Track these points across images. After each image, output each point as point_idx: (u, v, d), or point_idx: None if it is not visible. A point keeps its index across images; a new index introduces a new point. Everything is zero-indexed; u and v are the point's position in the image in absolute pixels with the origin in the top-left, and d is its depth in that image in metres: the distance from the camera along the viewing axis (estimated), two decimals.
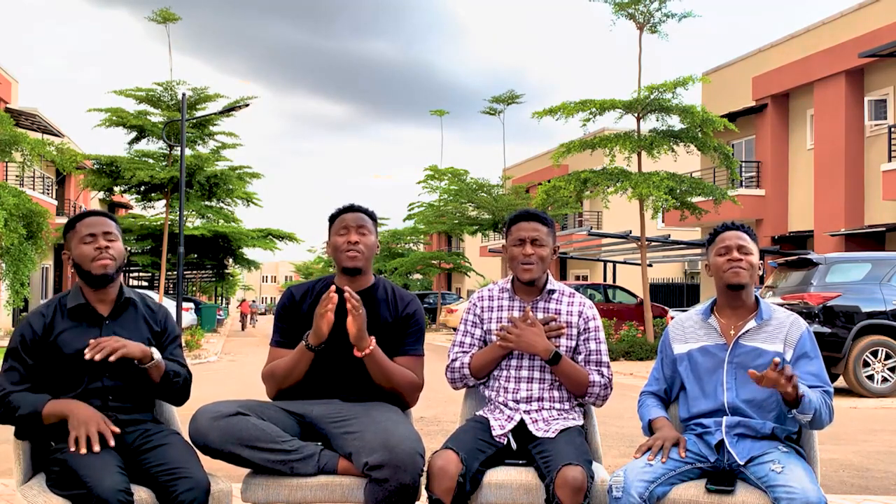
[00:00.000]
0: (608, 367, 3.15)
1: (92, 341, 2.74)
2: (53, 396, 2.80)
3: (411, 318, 3.20)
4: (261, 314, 70.43)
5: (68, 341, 2.84)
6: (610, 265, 30.79)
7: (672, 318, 17.02)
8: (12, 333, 2.88)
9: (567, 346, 3.13)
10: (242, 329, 38.26)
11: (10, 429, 2.88)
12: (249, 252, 33.32)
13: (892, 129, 18.14)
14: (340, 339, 3.07)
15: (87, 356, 2.71)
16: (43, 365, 2.84)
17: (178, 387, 2.98)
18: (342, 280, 3.22)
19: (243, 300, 43.07)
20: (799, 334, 2.88)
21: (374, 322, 3.12)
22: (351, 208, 3.24)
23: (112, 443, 2.70)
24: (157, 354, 2.87)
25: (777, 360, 2.57)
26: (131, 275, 41.47)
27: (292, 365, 3.09)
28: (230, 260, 34.87)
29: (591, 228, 25.74)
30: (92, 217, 2.96)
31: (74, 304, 2.92)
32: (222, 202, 24.88)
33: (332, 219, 3.25)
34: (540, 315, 3.15)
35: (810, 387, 2.76)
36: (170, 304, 20.90)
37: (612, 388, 3.14)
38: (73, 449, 2.66)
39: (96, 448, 2.66)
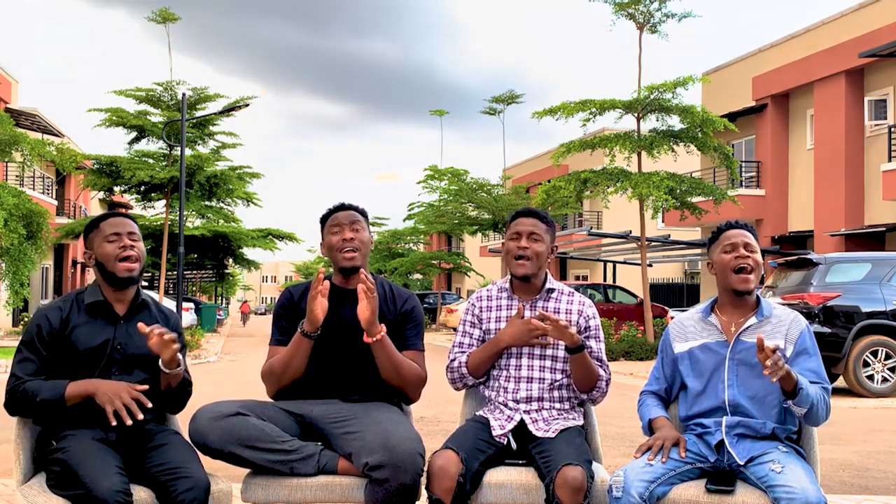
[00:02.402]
0: (607, 365, 3.16)
1: (154, 326, 2.77)
2: None
3: (410, 315, 3.21)
4: (261, 314, 72.34)
5: (82, 337, 2.86)
6: (610, 265, 30.79)
7: (672, 317, 17.02)
8: (27, 325, 2.88)
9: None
10: (244, 325, 44.11)
11: (11, 429, 2.88)
12: (249, 252, 33.32)
13: (892, 129, 18.13)
14: (341, 335, 3.07)
15: (146, 330, 2.74)
16: (55, 358, 2.85)
17: (187, 395, 3.01)
18: (339, 278, 3.21)
19: (245, 301, 49.07)
20: (799, 331, 2.89)
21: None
22: (342, 207, 3.24)
23: (149, 403, 2.76)
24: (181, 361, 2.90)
25: (768, 346, 2.57)
26: None
27: (289, 356, 3.07)
28: (230, 260, 34.86)
29: (591, 228, 25.75)
30: (116, 217, 2.99)
31: (92, 300, 2.93)
32: (222, 202, 24.86)
33: (324, 219, 3.25)
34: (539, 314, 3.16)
35: (810, 383, 2.76)
36: (170, 304, 20.91)
37: (609, 385, 3.16)
38: (114, 423, 2.69)
39: (140, 416, 2.71)
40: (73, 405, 2.77)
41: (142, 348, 2.91)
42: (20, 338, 2.89)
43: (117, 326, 2.92)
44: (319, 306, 2.99)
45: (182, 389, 2.96)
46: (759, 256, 2.94)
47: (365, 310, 2.96)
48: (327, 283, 3.02)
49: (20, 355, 2.84)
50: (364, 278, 2.94)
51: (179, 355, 2.88)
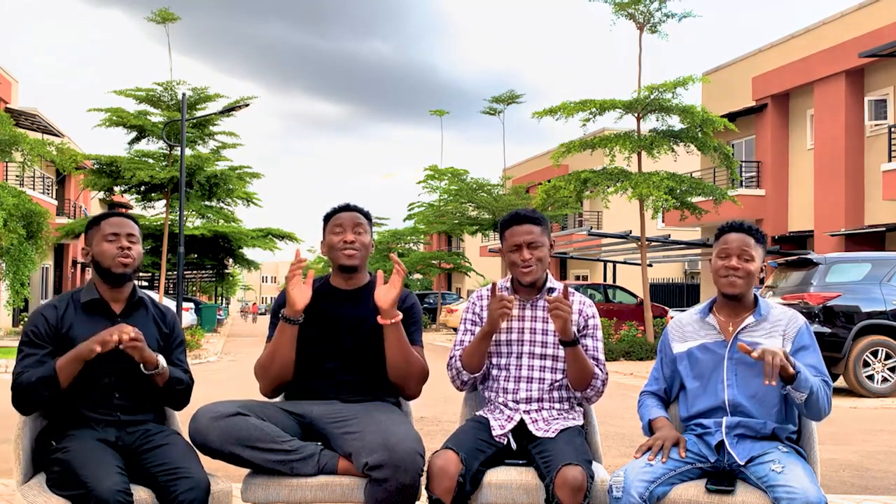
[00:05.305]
0: (604, 364, 3.16)
1: (115, 328, 2.74)
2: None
3: (410, 311, 3.22)
4: (261, 314, 76.60)
5: (80, 335, 2.85)
6: (610, 265, 30.80)
7: (672, 317, 17.01)
8: (24, 326, 2.89)
9: None
10: (254, 321, 54.77)
11: (10, 429, 2.88)
12: (249, 252, 33.32)
13: (892, 129, 18.13)
14: (339, 336, 3.07)
15: (109, 346, 2.71)
16: (56, 355, 2.84)
17: (179, 393, 3.00)
18: (338, 279, 3.22)
19: (253, 303, 63.32)
20: (797, 328, 2.89)
21: (372, 319, 3.10)
22: (346, 207, 3.25)
23: (133, 333, 2.75)
24: (163, 362, 2.89)
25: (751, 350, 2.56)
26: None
27: (274, 345, 3.08)
28: (230, 260, 34.85)
29: (591, 228, 25.74)
30: (117, 217, 3.01)
31: (88, 298, 2.94)
32: (222, 202, 24.86)
33: (328, 218, 3.25)
34: (539, 314, 3.16)
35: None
36: (170, 304, 20.86)
37: (606, 385, 3.15)
38: (117, 340, 2.71)
39: (132, 334, 2.72)
40: (74, 387, 2.78)
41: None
42: (20, 339, 2.88)
43: (115, 324, 2.92)
44: (297, 288, 3.00)
45: (170, 389, 2.95)
46: (754, 265, 2.88)
47: (391, 291, 2.99)
48: (303, 260, 3.00)
49: (21, 354, 2.85)
50: (396, 260, 2.99)
51: (161, 357, 2.88)
